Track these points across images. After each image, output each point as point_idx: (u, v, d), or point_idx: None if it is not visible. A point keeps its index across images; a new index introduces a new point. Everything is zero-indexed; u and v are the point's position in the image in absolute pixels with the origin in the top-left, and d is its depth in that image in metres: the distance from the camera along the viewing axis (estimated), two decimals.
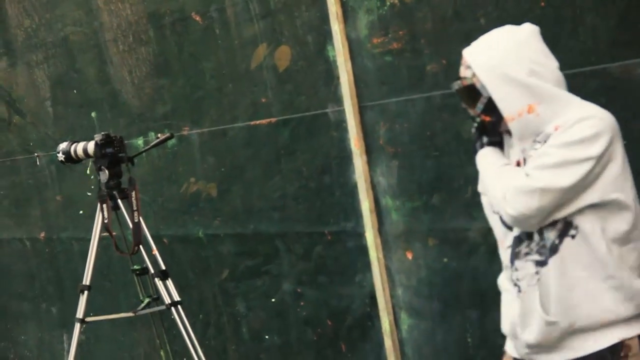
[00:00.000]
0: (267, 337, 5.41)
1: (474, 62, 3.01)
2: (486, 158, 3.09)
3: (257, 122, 5.15)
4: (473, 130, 3.13)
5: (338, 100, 4.64)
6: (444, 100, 4.17)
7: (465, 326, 4.33)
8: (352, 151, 4.61)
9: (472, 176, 4.15)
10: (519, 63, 2.93)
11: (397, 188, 4.49)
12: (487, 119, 3.04)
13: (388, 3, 4.32)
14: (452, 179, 4.24)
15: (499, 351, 4.11)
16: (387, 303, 4.62)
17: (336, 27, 4.52)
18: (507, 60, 2.94)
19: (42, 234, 7.13)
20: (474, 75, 3.01)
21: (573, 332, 2.91)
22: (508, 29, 3.03)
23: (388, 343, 4.64)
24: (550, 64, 2.97)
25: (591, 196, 2.85)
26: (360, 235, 4.67)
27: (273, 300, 5.31)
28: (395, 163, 4.48)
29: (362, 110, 4.56)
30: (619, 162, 2.85)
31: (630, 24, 3.49)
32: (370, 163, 4.57)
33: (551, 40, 3.69)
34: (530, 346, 3.01)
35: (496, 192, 2.97)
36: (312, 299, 5.07)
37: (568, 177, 2.82)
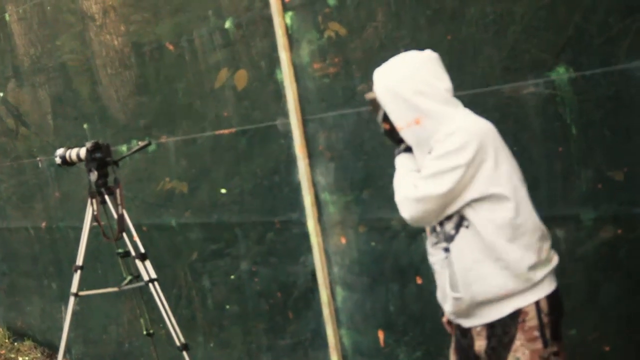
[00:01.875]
0: (228, 307, 5.37)
1: (375, 81, 3.04)
2: (398, 165, 3.10)
3: (221, 131, 5.11)
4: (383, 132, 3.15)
5: (285, 114, 4.62)
6: (371, 114, 4.17)
7: (388, 297, 4.33)
8: (296, 156, 4.59)
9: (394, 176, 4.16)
10: (407, 83, 2.94)
11: (333, 185, 4.48)
12: (387, 127, 3.07)
13: (326, 35, 4.31)
14: (378, 178, 4.23)
15: (417, 316, 4.14)
16: (325, 279, 4.60)
17: (283, 55, 4.50)
18: (398, 81, 2.96)
19: (44, 224, 7.05)
20: None
21: (477, 305, 2.94)
22: (409, 55, 3.04)
23: (326, 312, 4.63)
24: (439, 85, 2.97)
25: (471, 193, 2.87)
26: (304, 224, 4.66)
27: (232, 277, 5.28)
28: (332, 165, 4.46)
29: (305, 122, 4.54)
30: (490, 162, 2.85)
31: (518, 54, 3.51)
32: (312, 165, 4.56)
33: (457, 66, 3.73)
34: (451, 314, 3.06)
35: (396, 198, 3.00)
36: (265, 276, 5.04)
37: (443, 185, 2.85)
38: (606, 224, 3.36)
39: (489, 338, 2.95)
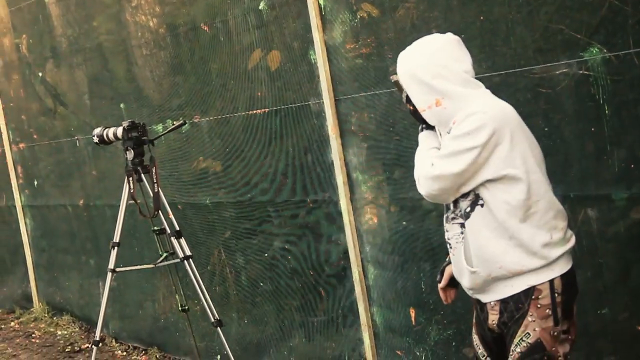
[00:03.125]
0: (261, 284, 5.39)
1: (398, 64, 3.10)
2: (420, 142, 3.16)
3: (254, 111, 5.11)
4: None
5: (318, 95, 4.61)
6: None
7: (419, 275, 4.32)
8: (329, 135, 4.59)
9: None
10: (427, 66, 3.00)
11: (365, 165, 4.47)
12: (411, 107, 3.13)
13: (359, 16, 4.29)
14: (410, 157, 4.17)
15: None
16: (357, 257, 4.60)
17: (317, 36, 4.49)
18: (418, 64, 3.02)
19: (81, 201, 7.10)
20: None
21: (492, 280, 2.99)
22: (430, 38, 3.09)
23: (358, 289, 4.63)
24: (457, 67, 3.01)
25: (485, 173, 2.91)
26: (336, 203, 4.65)
27: (266, 254, 5.30)
28: (364, 145, 4.45)
29: (337, 103, 4.53)
30: (506, 145, 2.89)
31: (551, 35, 3.47)
32: (344, 145, 4.55)
33: (489, 47, 3.70)
34: (468, 289, 3.12)
35: (415, 174, 3.08)
36: (297, 254, 5.05)
37: (458, 164, 2.91)
38: (638, 204, 3.33)
39: (502, 313, 3.01)
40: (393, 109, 4.24)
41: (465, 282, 3.09)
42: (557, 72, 3.44)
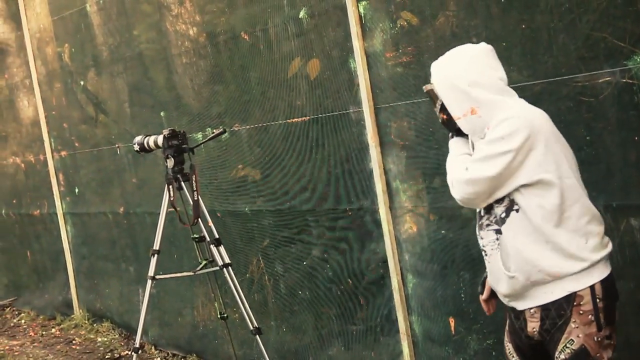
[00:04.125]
0: (300, 292, 5.40)
1: (433, 73, 3.15)
2: (451, 148, 3.19)
3: (293, 120, 5.13)
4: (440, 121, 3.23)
5: (358, 103, 4.62)
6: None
7: (459, 284, 4.30)
8: (368, 144, 4.59)
9: None
10: (463, 75, 3.04)
11: (405, 173, 4.47)
12: (444, 116, 3.16)
13: (399, 25, 4.29)
14: None
15: None
16: (396, 266, 4.60)
17: (357, 44, 4.50)
18: (454, 73, 3.06)
19: (122, 209, 7.16)
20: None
21: (531, 284, 2.99)
22: (464, 48, 3.14)
23: (397, 298, 4.62)
24: (493, 75, 3.05)
25: (520, 179, 2.93)
26: (375, 212, 4.65)
27: (304, 263, 5.30)
28: (404, 153, 4.45)
29: (377, 111, 4.53)
30: (540, 150, 2.91)
31: (593, 43, 3.44)
32: (383, 153, 4.55)
33: (530, 55, 3.68)
34: (505, 296, 3.12)
35: (448, 179, 3.11)
36: (336, 262, 5.05)
37: (493, 168, 2.93)
38: None
39: (543, 320, 3.01)
40: (432, 118, 4.23)
41: (502, 289, 3.09)
42: (600, 81, 3.42)
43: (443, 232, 4.33)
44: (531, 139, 2.89)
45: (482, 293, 3.32)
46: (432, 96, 3.17)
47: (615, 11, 3.35)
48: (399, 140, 4.45)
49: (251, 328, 5.04)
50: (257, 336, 5.04)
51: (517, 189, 2.94)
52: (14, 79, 8.43)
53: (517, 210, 2.96)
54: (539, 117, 2.97)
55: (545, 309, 2.99)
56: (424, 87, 3.22)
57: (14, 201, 8.87)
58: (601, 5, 3.39)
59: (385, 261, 4.65)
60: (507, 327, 3.24)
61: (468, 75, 3.03)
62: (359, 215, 4.80)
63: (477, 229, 3.16)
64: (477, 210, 3.14)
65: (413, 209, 4.46)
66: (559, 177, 2.92)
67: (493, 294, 3.27)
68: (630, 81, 3.32)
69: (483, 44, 3.13)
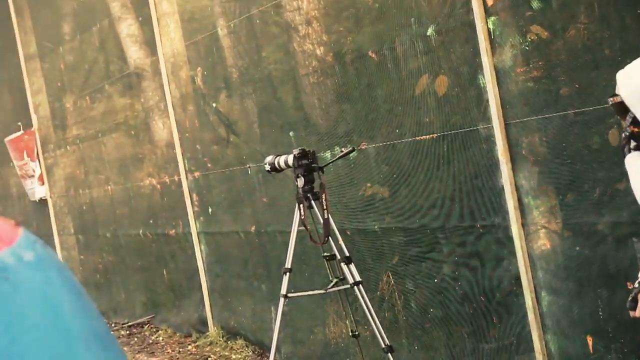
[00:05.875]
0: (431, 310, 5.37)
1: (621, 85, 2.89)
2: (635, 162, 2.93)
3: (421, 137, 5.13)
4: (623, 136, 2.97)
5: (487, 119, 4.58)
6: (576, 117, 4.07)
7: (596, 302, 4.19)
8: (499, 160, 4.54)
9: (600, 180, 4.04)
10: None
11: (537, 189, 4.40)
12: (636, 130, 2.91)
13: (529, 39, 4.24)
14: (583, 182, 4.12)
15: (628, 322, 3.97)
16: (529, 283, 4.52)
17: (486, 60, 4.47)
18: None
19: (253, 228, 7.30)
20: None
21: None
22: None
23: (531, 316, 4.54)
24: None
25: None
26: (507, 228, 4.59)
27: (435, 280, 5.28)
28: (536, 169, 4.38)
29: (507, 127, 4.49)
30: None
31: None
32: (515, 169, 4.49)
33: None
34: None
35: (638, 197, 2.87)
36: (467, 280, 5.01)
37: None
38: None
39: None
40: (565, 132, 4.15)
41: None
42: None
43: (578, 248, 4.23)
44: None
45: (633, 309, 3.14)
46: (620, 109, 2.93)
47: None
48: (531, 156, 4.39)
49: (383, 346, 5.04)
50: (389, 354, 5.04)
51: None
52: (149, 102, 8.72)
53: None
54: None
55: None
56: (609, 98, 2.98)
57: (151, 221, 9.16)
58: None
59: (518, 279, 4.58)
60: None
61: None
62: (490, 232, 4.75)
63: None
64: None
65: (546, 225, 4.39)
66: None
67: None
68: None
69: None
